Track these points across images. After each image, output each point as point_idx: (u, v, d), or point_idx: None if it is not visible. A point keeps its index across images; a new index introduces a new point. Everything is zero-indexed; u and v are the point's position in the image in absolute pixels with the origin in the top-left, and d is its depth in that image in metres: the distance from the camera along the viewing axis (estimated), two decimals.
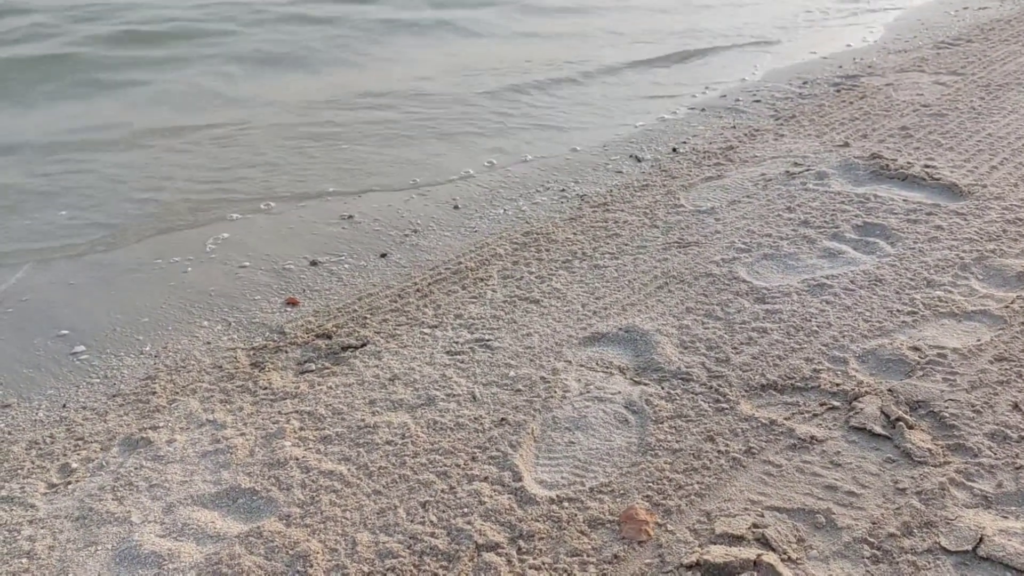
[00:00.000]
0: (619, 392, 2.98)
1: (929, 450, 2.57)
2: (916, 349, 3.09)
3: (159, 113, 6.83)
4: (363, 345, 3.43)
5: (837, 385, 2.92)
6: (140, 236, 4.65)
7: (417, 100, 7.06)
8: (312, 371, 3.28)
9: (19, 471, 2.81)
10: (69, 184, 5.37)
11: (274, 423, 2.94)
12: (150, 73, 7.95)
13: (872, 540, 2.26)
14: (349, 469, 2.67)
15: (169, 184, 5.35)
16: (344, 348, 3.42)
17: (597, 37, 9.23)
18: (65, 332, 3.73)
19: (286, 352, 3.44)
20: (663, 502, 2.44)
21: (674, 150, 5.56)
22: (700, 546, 2.27)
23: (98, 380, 3.38)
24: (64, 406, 3.21)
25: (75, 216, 4.92)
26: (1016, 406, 2.74)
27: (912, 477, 2.48)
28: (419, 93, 7.24)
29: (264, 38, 9.22)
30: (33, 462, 2.85)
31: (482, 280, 3.92)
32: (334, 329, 3.58)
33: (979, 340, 3.14)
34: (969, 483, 2.44)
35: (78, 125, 6.51)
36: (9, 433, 3.05)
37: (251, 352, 3.47)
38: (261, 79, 7.85)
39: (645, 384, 3.02)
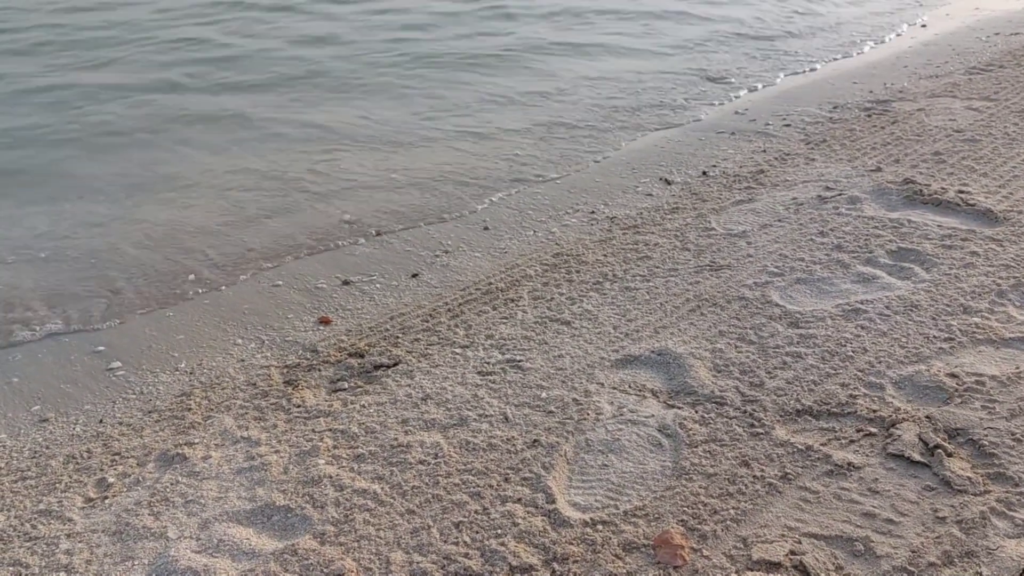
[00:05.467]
0: (652, 415, 2.97)
1: (969, 478, 2.54)
2: (954, 376, 3.06)
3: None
4: (395, 364, 3.45)
5: (874, 411, 2.89)
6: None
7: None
8: (345, 389, 3.30)
9: (57, 485, 2.84)
10: None
11: (308, 441, 2.96)
12: None
13: (912, 569, 2.22)
14: (383, 488, 2.68)
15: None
16: (376, 367, 3.44)
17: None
18: (101, 348, 3.78)
19: (319, 370, 3.46)
20: (698, 527, 2.43)
21: (704, 173, 5.56)
22: (736, 572, 2.25)
23: (134, 396, 3.42)
24: (101, 421, 3.25)
25: None
26: None
27: (952, 506, 2.44)
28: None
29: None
30: (71, 476, 2.89)
31: (513, 301, 3.93)
32: (366, 348, 3.60)
33: (1018, 367, 3.10)
34: (1010, 512, 2.40)
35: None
36: (47, 447, 3.09)
37: (284, 370, 3.50)
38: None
39: (679, 407, 3.01)
